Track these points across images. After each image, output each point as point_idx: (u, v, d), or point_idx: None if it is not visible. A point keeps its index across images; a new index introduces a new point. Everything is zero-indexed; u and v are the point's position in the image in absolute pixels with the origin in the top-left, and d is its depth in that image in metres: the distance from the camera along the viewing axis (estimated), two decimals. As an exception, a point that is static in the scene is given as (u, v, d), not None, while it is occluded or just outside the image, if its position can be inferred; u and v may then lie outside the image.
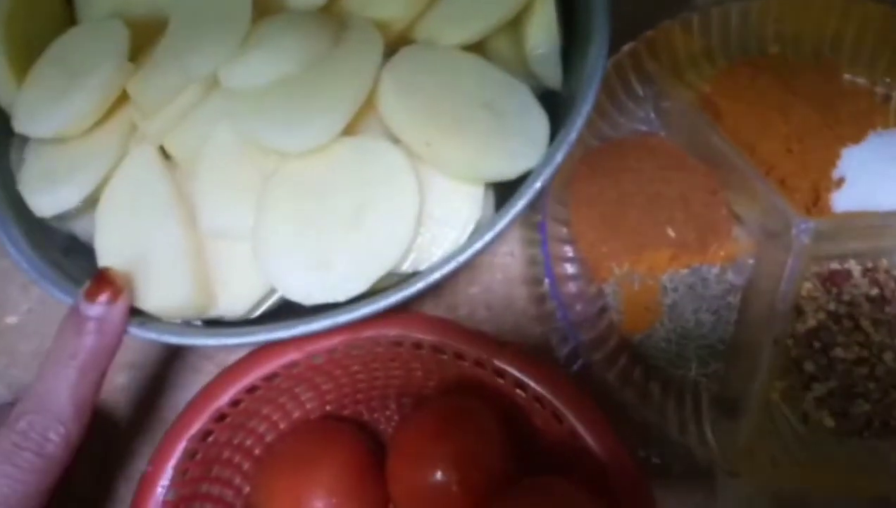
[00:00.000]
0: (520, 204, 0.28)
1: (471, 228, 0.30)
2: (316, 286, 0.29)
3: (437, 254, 0.30)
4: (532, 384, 0.32)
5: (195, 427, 0.32)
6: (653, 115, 0.41)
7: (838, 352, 0.36)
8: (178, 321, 0.31)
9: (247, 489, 0.35)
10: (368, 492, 0.34)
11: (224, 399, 0.32)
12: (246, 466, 0.35)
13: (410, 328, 0.33)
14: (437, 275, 0.29)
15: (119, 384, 0.41)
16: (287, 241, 0.29)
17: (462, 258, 0.29)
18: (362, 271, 0.29)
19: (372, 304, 0.28)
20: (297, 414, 0.36)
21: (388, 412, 0.38)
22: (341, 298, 0.29)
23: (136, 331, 0.29)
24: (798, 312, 0.37)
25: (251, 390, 0.33)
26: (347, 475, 0.34)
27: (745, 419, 0.35)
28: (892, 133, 0.40)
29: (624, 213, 0.39)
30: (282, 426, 0.36)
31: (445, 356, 0.33)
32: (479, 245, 0.29)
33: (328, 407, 0.37)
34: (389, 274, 0.30)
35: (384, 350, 0.33)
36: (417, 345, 0.33)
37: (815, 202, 0.39)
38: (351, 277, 0.29)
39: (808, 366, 0.36)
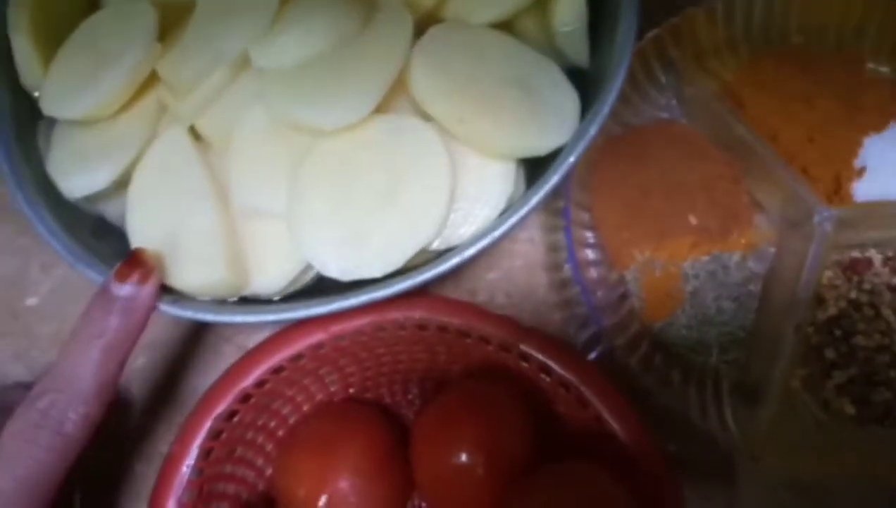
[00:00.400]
0: (553, 179, 0.29)
1: (503, 204, 0.30)
2: (351, 262, 0.29)
3: (469, 231, 0.30)
4: (557, 368, 0.32)
5: (221, 407, 0.32)
6: (675, 102, 0.41)
7: (859, 340, 0.37)
8: (213, 299, 0.31)
9: (269, 470, 0.36)
10: (392, 475, 0.34)
11: (249, 380, 0.33)
12: (269, 447, 0.36)
13: (436, 312, 0.33)
14: (471, 251, 0.29)
15: (137, 364, 0.41)
16: (322, 218, 0.29)
17: (497, 233, 0.29)
18: (397, 247, 0.29)
19: (407, 280, 0.29)
20: (320, 396, 0.36)
21: (410, 396, 0.38)
22: (377, 273, 0.29)
23: (171, 309, 0.30)
24: (819, 300, 0.38)
25: (277, 370, 0.33)
26: (371, 456, 0.34)
27: (766, 405, 0.35)
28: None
29: (646, 200, 0.39)
30: (305, 407, 0.36)
31: (470, 340, 0.33)
32: (513, 220, 0.29)
33: (351, 390, 0.37)
34: (422, 252, 0.30)
35: (409, 333, 0.34)
36: (443, 328, 0.33)
37: (837, 191, 0.39)
38: (386, 252, 0.29)
39: (829, 354, 0.37)
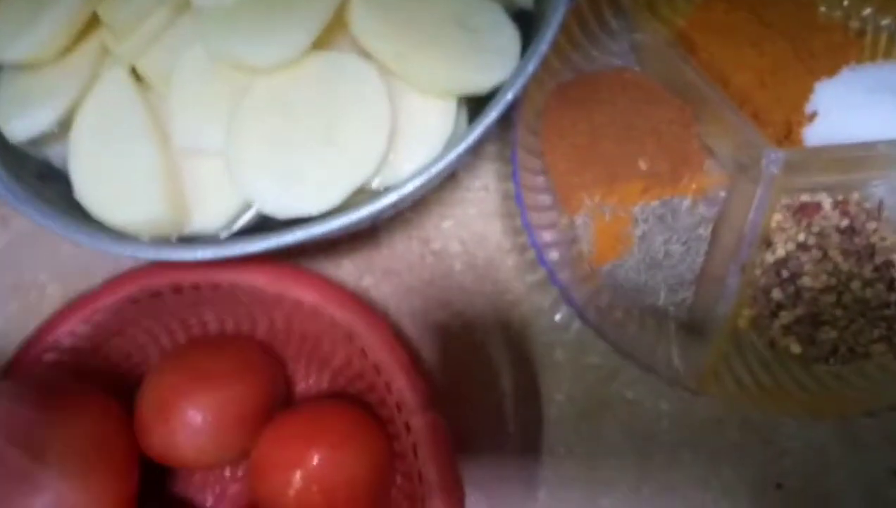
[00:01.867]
0: (491, 115, 0.29)
1: (443, 143, 0.31)
2: (289, 200, 0.29)
3: (409, 169, 0.31)
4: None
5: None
6: (627, 48, 0.42)
7: (806, 281, 0.37)
8: (155, 238, 0.31)
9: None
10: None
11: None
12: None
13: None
14: (408, 188, 0.29)
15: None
16: (260, 156, 0.30)
17: (434, 170, 0.29)
18: (335, 185, 0.30)
19: (344, 216, 0.29)
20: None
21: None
22: (314, 211, 0.30)
23: (114, 248, 0.30)
24: (767, 242, 0.38)
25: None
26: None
27: (712, 343, 0.36)
28: (865, 67, 0.41)
29: (596, 145, 0.39)
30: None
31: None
32: (451, 157, 0.30)
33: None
34: (363, 192, 0.31)
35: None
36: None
37: (788, 136, 0.40)
38: (324, 190, 0.30)
39: (776, 294, 0.37)
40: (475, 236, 0.41)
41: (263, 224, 0.33)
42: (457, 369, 0.39)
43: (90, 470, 0.31)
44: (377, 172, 0.30)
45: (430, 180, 0.30)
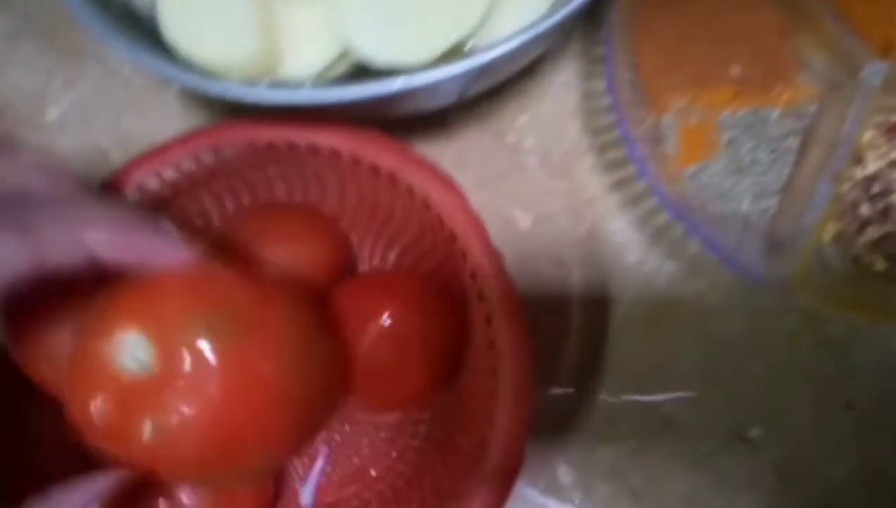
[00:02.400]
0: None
1: (546, 5, 0.30)
2: (389, 46, 0.29)
3: (510, 30, 0.29)
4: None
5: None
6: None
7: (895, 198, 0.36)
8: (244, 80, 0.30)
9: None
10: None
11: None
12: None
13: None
14: (513, 44, 0.28)
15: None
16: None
17: (539, 29, 0.28)
18: (437, 35, 0.29)
19: (444, 68, 0.28)
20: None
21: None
22: (412, 60, 0.28)
23: (205, 84, 0.29)
24: (858, 158, 0.37)
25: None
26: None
27: (795, 254, 0.35)
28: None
29: (689, 46, 0.38)
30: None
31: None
32: (557, 18, 0.28)
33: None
34: (457, 52, 0.30)
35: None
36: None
37: (887, 53, 0.38)
38: (425, 39, 0.29)
39: (864, 210, 0.36)
40: (552, 133, 0.40)
41: (355, 77, 0.32)
42: (524, 264, 0.39)
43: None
44: (479, 26, 0.29)
45: (534, 37, 0.29)
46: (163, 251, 0.24)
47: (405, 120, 0.39)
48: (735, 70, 0.38)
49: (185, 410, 0.22)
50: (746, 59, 0.39)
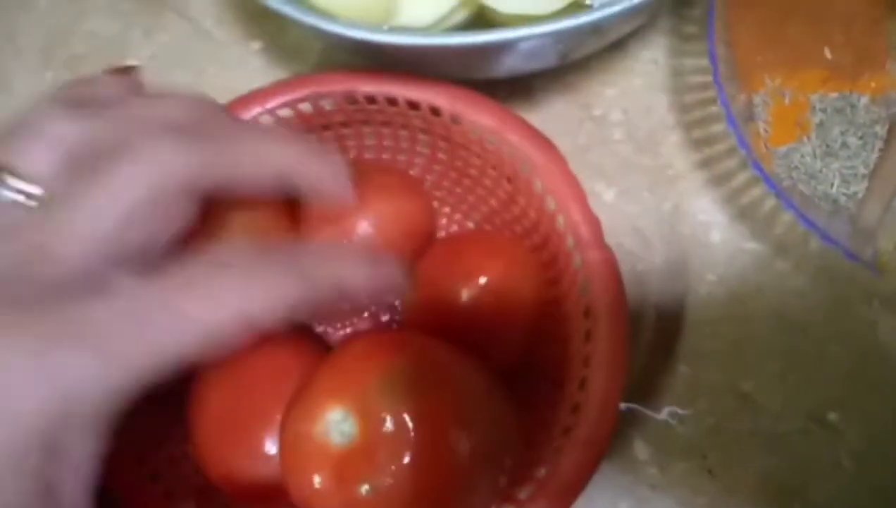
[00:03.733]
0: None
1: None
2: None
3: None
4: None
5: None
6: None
7: None
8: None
9: None
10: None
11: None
12: None
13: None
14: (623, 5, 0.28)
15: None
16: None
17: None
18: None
19: (569, 19, 0.28)
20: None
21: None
22: (537, 10, 0.29)
23: (323, 23, 0.29)
24: (948, 148, 0.37)
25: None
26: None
27: (884, 237, 0.35)
28: None
29: (785, 25, 0.39)
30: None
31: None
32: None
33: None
34: (577, 5, 0.30)
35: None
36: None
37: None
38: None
39: (954, 198, 0.37)
40: (639, 108, 0.41)
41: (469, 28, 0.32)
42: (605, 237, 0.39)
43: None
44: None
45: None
46: (333, 182, 0.27)
47: (493, 85, 0.39)
48: (828, 53, 0.39)
49: (393, 468, 0.24)
50: (839, 44, 0.39)
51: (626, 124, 0.40)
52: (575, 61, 0.39)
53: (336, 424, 0.25)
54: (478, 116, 0.33)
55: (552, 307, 0.33)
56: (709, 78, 0.39)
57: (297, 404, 0.27)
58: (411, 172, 0.37)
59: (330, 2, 0.30)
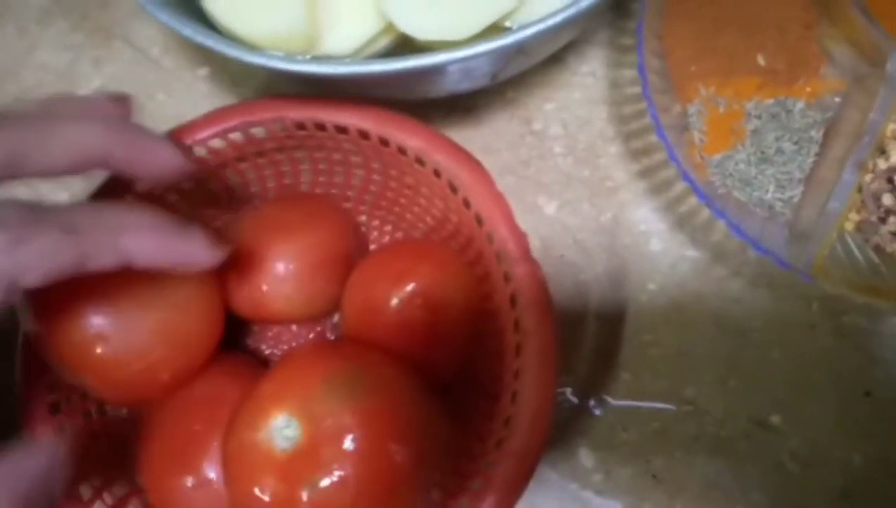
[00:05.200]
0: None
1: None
2: (432, 21, 0.30)
3: (548, 8, 0.31)
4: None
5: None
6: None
7: (919, 188, 0.37)
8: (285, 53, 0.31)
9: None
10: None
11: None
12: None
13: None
14: (551, 21, 0.29)
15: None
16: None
17: (576, 9, 0.29)
18: (476, 12, 0.30)
19: (487, 43, 0.29)
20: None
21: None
22: (453, 36, 0.30)
23: (247, 55, 0.30)
24: (881, 150, 0.38)
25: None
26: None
27: (819, 243, 0.36)
28: None
29: (718, 34, 0.40)
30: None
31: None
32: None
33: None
34: (496, 28, 0.31)
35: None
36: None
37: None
38: (464, 15, 0.30)
39: (887, 200, 0.38)
40: (578, 121, 0.42)
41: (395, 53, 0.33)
42: (547, 249, 0.40)
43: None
44: (518, 4, 0.30)
45: (571, 18, 0.30)
46: (195, 254, 0.26)
47: (434, 105, 0.40)
48: (761, 60, 0.40)
49: (336, 468, 0.25)
50: (772, 50, 0.40)
51: (566, 138, 0.41)
52: (515, 77, 0.40)
53: (280, 430, 0.26)
54: (404, 137, 0.34)
55: (488, 321, 0.34)
56: (652, 79, 0.40)
57: (240, 414, 0.28)
58: (348, 193, 0.38)
59: (254, 33, 0.31)
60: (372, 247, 0.40)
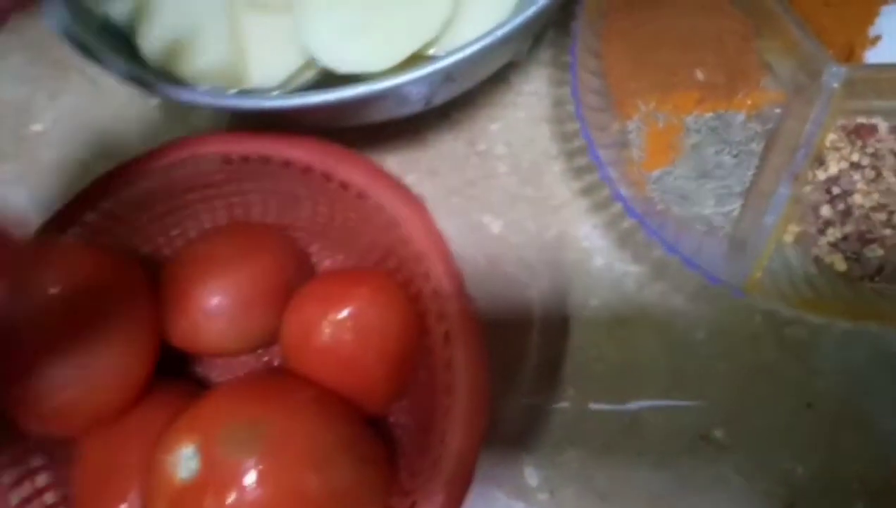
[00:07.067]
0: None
1: (509, 11, 0.32)
2: (350, 54, 0.31)
3: (472, 35, 0.32)
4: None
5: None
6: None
7: (857, 198, 0.38)
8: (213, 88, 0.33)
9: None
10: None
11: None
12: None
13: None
14: (471, 49, 0.30)
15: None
16: (327, 7, 0.31)
17: (500, 33, 0.30)
18: (396, 42, 0.31)
19: (405, 74, 0.30)
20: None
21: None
22: (374, 67, 0.31)
23: (174, 93, 0.32)
24: (819, 161, 0.39)
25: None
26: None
27: (757, 255, 0.37)
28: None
29: (656, 51, 0.41)
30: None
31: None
32: (519, 21, 0.31)
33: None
34: (421, 55, 0.32)
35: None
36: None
37: (849, 59, 0.40)
38: (385, 47, 0.31)
39: (825, 211, 0.38)
40: (522, 140, 0.43)
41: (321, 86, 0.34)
42: (492, 268, 0.41)
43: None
44: (441, 32, 0.31)
45: (494, 45, 0.31)
46: None
47: (381, 127, 0.41)
48: (700, 75, 0.41)
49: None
50: (711, 64, 0.41)
51: (511, 157, 0.42)
52: (460, 98, 0.41)
53: (185, 459, 0.28)
54: (346, 173, 0.35)
55: (426, 357, 0.35)
56: (592, 98, 0.41)
57: (160, 439, 0.30)
58: (299, 223, 0.40)
59: (184, 69, 0.33)
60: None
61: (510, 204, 0.42)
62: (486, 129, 0.43)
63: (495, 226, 0.42)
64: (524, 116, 0.43)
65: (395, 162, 0.42)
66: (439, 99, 0.38)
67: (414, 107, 0.37)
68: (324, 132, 0.34)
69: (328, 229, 0.39)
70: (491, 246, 0.41)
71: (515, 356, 0.40)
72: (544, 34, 0.43)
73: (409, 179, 0.42)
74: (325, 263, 0.40)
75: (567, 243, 0.41)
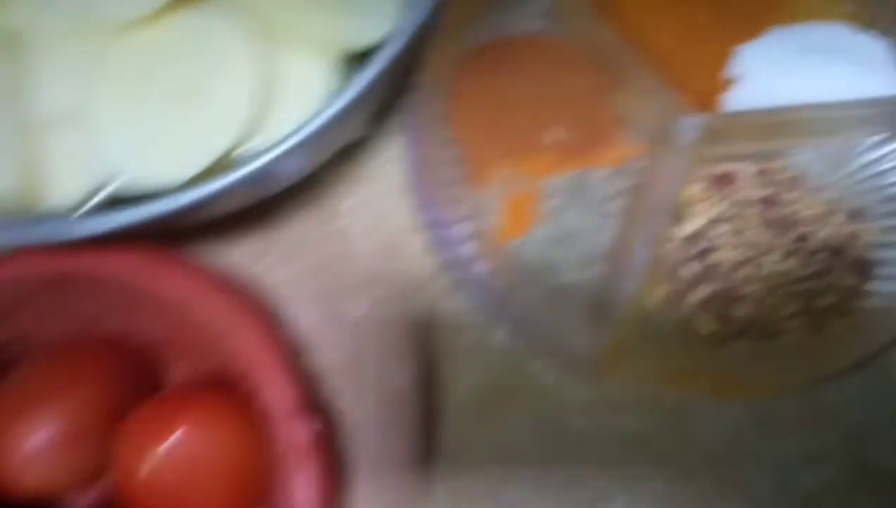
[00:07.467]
0: (372, 69, 0.28)
1: (317, 106, 0.30)
2: (146, 168, 0.29)
3: (282, 132, 0.30)
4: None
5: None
6: (544, 10, 0.41)
7: (721, 254, 0.37)
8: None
9: None
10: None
11: None
12: None
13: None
14: (273, 153, 0.28)
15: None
16: (117, 121, 0.29)
17: (305, 132, 0.29)
18: (193, 154, 0.29)
19: (203, 187, 0.28)
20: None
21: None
22: (167, 182, 0.29)
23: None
24: (680, 216, 0.38)
25: None
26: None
27: (613, 324, 0.35)
28: (795, 28, 0.40)
29: (508, 115, 0.39)
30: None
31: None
32: (327, 114, 0.29)
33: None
34: (230, 158, 0.30)
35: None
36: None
37: (708, 103, 0.39)
38: (181, 159, 0.29)
39: (689, 270, 0.37)
40: (380, 215, 0.41)
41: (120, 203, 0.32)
42: (355, 357, 0.39)
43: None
44: (240, 138, 0.29)
45: (305, 143, 0.29)
46: None
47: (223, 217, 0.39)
48: (557, 134, 0.39)
49: None
50: (567, 122, 0.39)
51: (369, 234, 0.40)
52: (314, 176, 0.39)
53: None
54: (164, 287, 0.32)
55: (262, 481, 0.33)
56: (447, 171, 0.39)
57: None
58: (142, 333, 0.37)
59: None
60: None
61: (371, 284, 0.40)
62: (340, 205, 0.41)
63: (358, 309, 0.40)
64: (381, 189, 0.41)
65: (243, 252, 0.40)
66: (267, 194, 0.36)
67: (245, 201, 0.35)
68: (159, 232, 0.32)
69: (172, 339, 0.37)
70: (353, 333, 0.39)
71: (390, 442, 0.38)
72: (394, 103, 0.41)
73: (260, 268, 0.39)
74: (178, 373, 0.38)
75: (434, 322, 0.39)
